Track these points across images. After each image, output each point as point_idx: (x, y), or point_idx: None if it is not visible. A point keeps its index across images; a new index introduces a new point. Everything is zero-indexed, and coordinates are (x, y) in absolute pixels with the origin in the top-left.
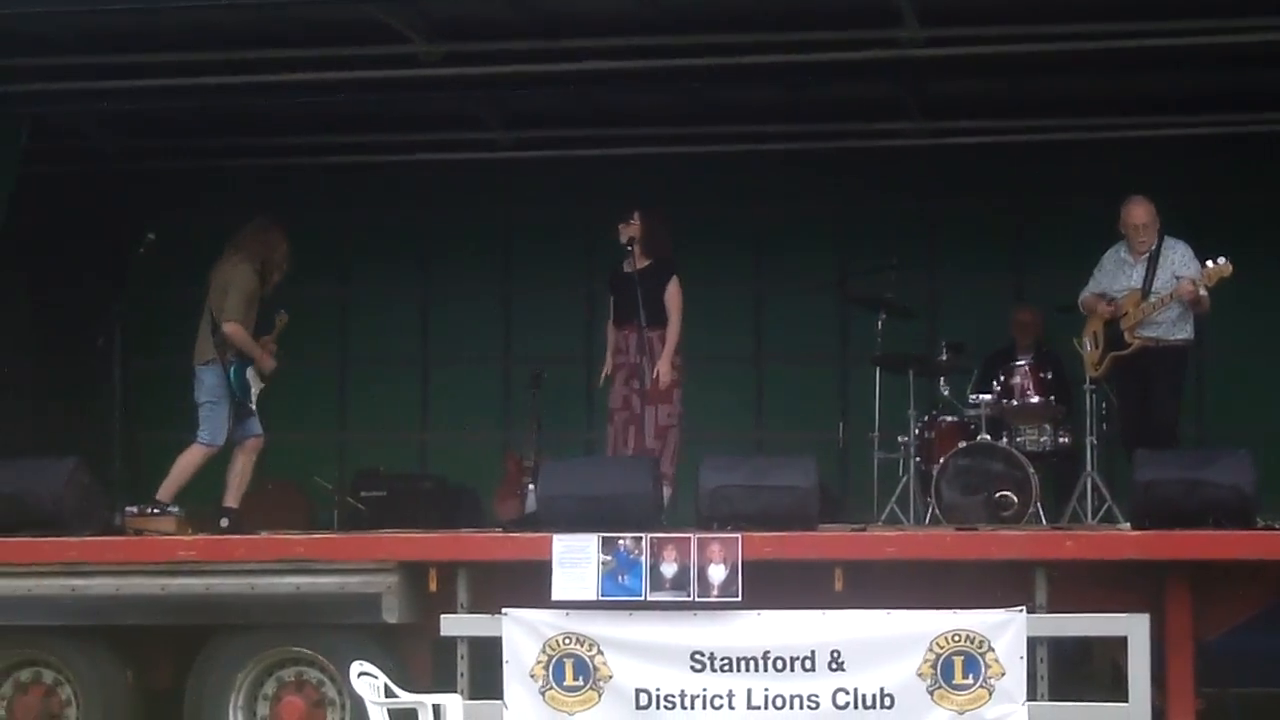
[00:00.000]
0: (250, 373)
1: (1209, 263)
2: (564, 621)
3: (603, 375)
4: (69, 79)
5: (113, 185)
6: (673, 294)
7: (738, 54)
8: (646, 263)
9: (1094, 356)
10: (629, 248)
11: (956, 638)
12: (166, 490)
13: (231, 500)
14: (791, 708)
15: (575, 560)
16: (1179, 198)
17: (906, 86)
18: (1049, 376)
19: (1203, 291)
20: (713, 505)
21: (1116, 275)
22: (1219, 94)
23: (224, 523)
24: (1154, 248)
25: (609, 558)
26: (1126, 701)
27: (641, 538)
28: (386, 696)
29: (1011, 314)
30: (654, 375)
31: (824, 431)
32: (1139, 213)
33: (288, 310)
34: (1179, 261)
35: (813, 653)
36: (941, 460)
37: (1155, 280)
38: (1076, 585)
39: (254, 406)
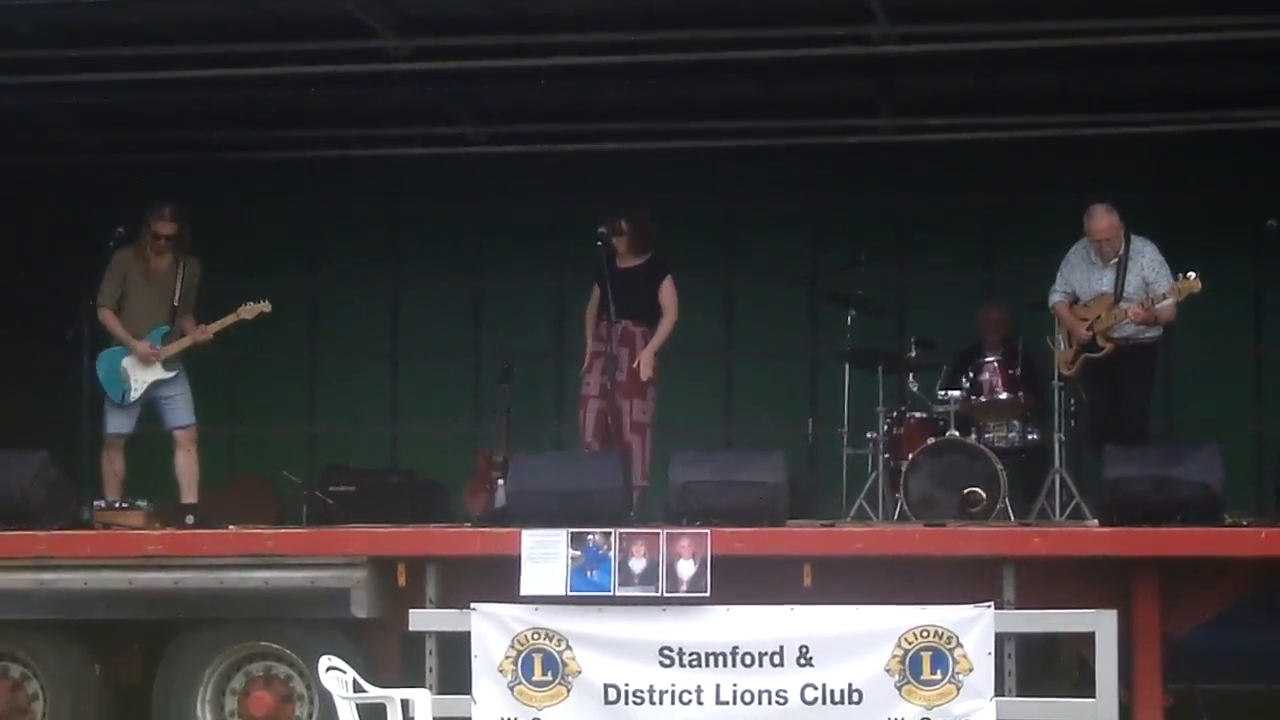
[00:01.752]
0: (128, 361)
1: (1179, 276)
2: (533, 616)
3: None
4: (40, 72)
5: (83, 178)
6: (670, 292)
7: (709, 50)
8: (638, 261)
9: (1066, 355)
10: (599, 244)
11: (925, 633)
12: (105, 487)
13: (189, 496)
14: (760, 703)
15: (544, 555)
16: (1148, 195)
17: (877, 83)
18: (1017, 373)
19: (1169, 300)
20: (682, 500)
21: (1087, 279)
22: (1189, 91)
23: (189, 520)
24: (1122, 251)
25: (578, 553)
26: (1094, 697)
27: (611, 533)
28: (355, 691)
29: (979, 312)
30: (633, 365)
31: (793, 427)
32: (1102, 225)
33: (257, 302)
34: (1148, 265)
35: (781, 648)
36: (910, 456)
37: (1126, 285)
38: (1044, 581)
39: (125, 400)
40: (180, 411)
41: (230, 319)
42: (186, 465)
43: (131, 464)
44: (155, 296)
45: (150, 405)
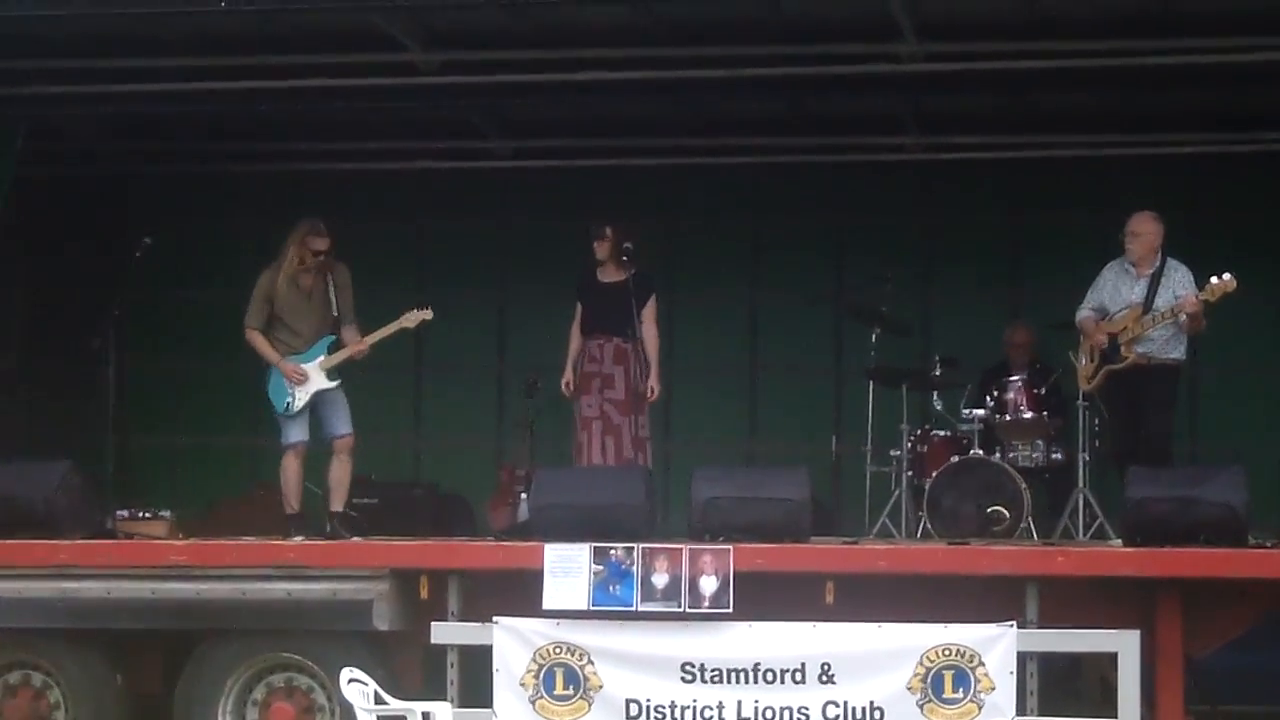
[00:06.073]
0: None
1: (1214, 278)
2: (555, 631)
3: (564, 384)
4: (68, 82)
5: (111, 188)
6: (653, 313)
7: (736, 66)
8: (624, 275)
9: (1088, 370)
10: (631, 255)
11: (947, 652)
12: (286, 496)
13: (336, 504)
14: (781, 719)
15: (567, 569)
16: (1175, 215)
17: (904, 101)
18: (1042, 392)
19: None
20: (705, 516)
21: (1118, 288)
22: (1216, 112)
23: (329, 528)
24: (1157, 266)
25: (600, 567)
26: (1116, 718)
27: (633, 548)
28: (376, 703)
29: (1006, 333)
30: (648, 390)
31: (817, 444)
32: (1147, 226)
33: (426, 310)
34: (1179, 284)
35: (803, 665)
36: (934, 474)
37: (1157, 298)
38: (1067, 601)
39: (290, 410)
40: (339, 421)
41: (393, 328)
42: (339, 473)
43: (155, 475)
44: (316, 311)
45: (310, 413)
